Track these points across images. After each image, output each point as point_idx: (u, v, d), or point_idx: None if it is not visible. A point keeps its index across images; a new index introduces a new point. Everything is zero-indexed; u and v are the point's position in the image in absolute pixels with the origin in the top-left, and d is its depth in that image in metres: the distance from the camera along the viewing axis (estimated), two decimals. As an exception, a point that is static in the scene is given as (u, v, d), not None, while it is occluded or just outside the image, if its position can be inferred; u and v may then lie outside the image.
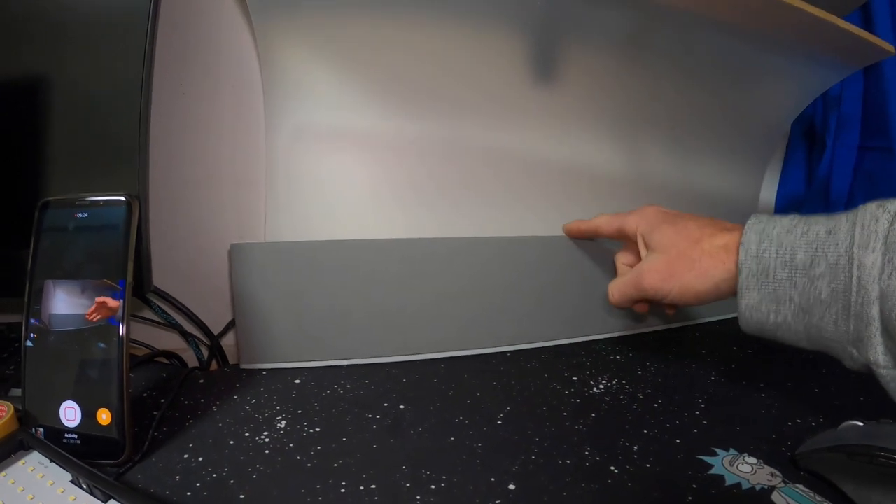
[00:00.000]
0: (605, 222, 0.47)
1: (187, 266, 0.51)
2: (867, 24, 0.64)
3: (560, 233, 0.52)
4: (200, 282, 0.51)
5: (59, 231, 0.33)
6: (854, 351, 0.29)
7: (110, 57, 0.39)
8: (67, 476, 0.28)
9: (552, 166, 0.57)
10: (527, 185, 0.56)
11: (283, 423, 0.38)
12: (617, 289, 0.44)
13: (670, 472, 0.33)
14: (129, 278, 0.32)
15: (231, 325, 0.51)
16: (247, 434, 0.36)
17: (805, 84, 0.65)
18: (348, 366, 0.47)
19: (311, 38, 0.46)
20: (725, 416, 0.40)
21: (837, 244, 0.29)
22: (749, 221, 0.34)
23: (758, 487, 0.32)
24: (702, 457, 0.35)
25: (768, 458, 0.35)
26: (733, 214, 0.40)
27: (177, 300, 0.49)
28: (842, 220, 0.30)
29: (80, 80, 0.40)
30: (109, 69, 0.40)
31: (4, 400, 0.31)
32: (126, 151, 0.40)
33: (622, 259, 0.47)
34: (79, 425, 0.31)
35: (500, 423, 0.39)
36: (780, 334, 0.33)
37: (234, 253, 0.45)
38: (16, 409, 0.31)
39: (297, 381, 0.44)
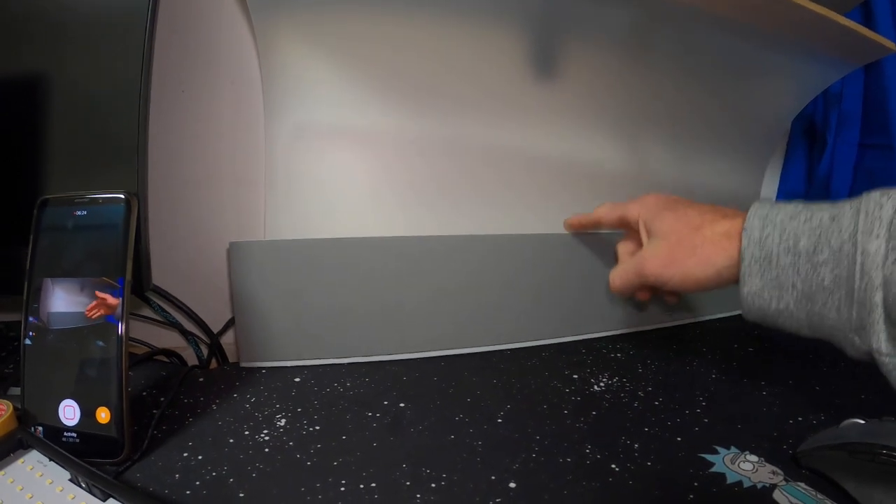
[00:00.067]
0: (606, 213, 0.46)
1: (187, 264, 0.51)
2: (868, 21, 0.64)
3: (560, 230, 0.52)
4: (200, 280, 0.51)
5: (58, 229, 0.33)
6: (856, 338, 0.29)
7: (110, 57, 0.39)
8: (66, 475, 0.28)
9: (553, 164, 0.56)
10: (527, 182, 0.55)
11: (283, 421, 0.38)
12: (618, 276, 0.44)
13: (671, 471, 0.33)
14: (128, 276, 0.32)
15: (231, 324, 0.51)
16: (246, 432, 0.36)
17: (805, 81, 0.65)
18: (348, 364, 0.47)
19: (310, 35, 0.46)
20: (727, 413, 0.40)
21: (841, 231, 0.29)
22: (752, 207, 0.34)
23: (759, 485, 0.32)
24: (703, 455, 0.35)
25: (770, 456, 0.35)
26: (734, 212, 0.39)
27: (176, 298, 0.49)
28: (845, 207, 0.30)
29: (79, 79, 0.40)
30: (109, 69, 0.40)
31: (3, 398, 0.31)
32: (125, 150, 0.40)
33: (624, 247, 0.47)
34: (78, 424, 0.31)
35: (500, 421, 0.39)
36: (781, 321, 0.32)
37: (234, 251, 0.45)
38: (15, 408, 0.31)
39: (297, 380, 0.44)
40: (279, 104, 0.47)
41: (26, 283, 0.32)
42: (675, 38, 0.55)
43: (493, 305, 0.51)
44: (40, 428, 0.31)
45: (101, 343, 0.31)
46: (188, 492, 0.30)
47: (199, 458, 0.33)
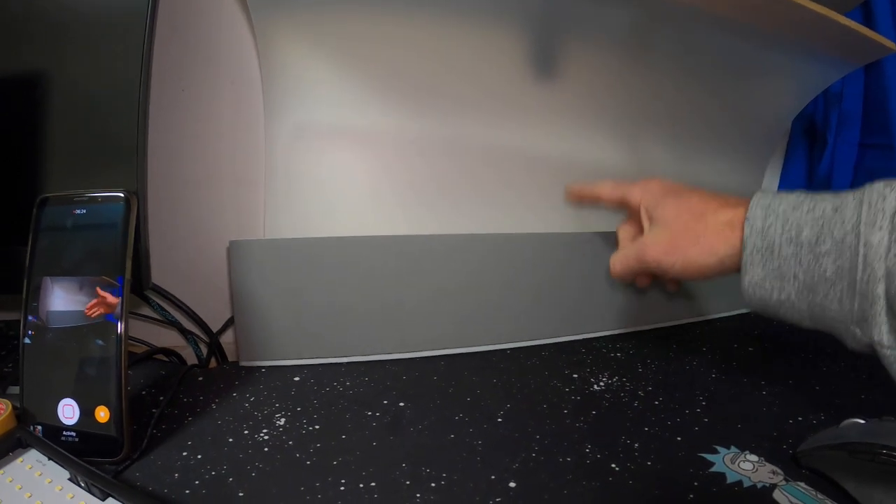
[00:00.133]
0: (608, 190, 0.46)
1: (186, 263, 0.51)
2: (868, 21, 0.64)
3: (560, 230, 0.52)
4: (199, 279, 0.51)
5: (58, 228, 0.33)
6: (857, 330, 0.29)
7: (110, 56, 0.40)
8: (66, 474, 0.28)
9: (553, 164, 0.56)
10: (527, 182, 0.55)
11: (283, 420, 0.38)
12: (619, 261, 0.43)
13: (671, 470, 0.33)
14: (128, 275, 0.32)
15: (230, 323, 0.51)
16: (246, 432, 0.36)
17: (806, 81, 0.65)
18: (348, 363, 0.47)
19: (310, 34, 0.46)
20: (727, 413, 0.40)
21: (844, 221, 0.29)
22: (755, 197, 0.33)
23: (759, 485, 0.32)
24: (703, 454, 0.35)
25: (770, 455, 0.35)
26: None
27: (176, 297, 0.49)
28: (848, 198, 0.29)
29: (79, 79, 0.40)
30: (109, 69, 0.40)
31: (2, 397, 0.31)
32: (125, 150, 0.40)
33: (624, 231, 0.46)
34: (77, 423, 0.31)
35: (500, 420, 0.39)
36: (782, 312, 0.32)
37: (233, 249, 0.45)
38: (14, 407, 0.31)
39: (297, 379, 0.44)
40: (279, 104, 0.47)
41: (26, 282, 0.32)
42: (675, 38, 0.55)
43: (493, 305, 0.51)
44: (39, 427, 0.31)
45: (100, 342, 0.31)
46: (187, 491, 0.30)
47: (199, 457, 0.33)
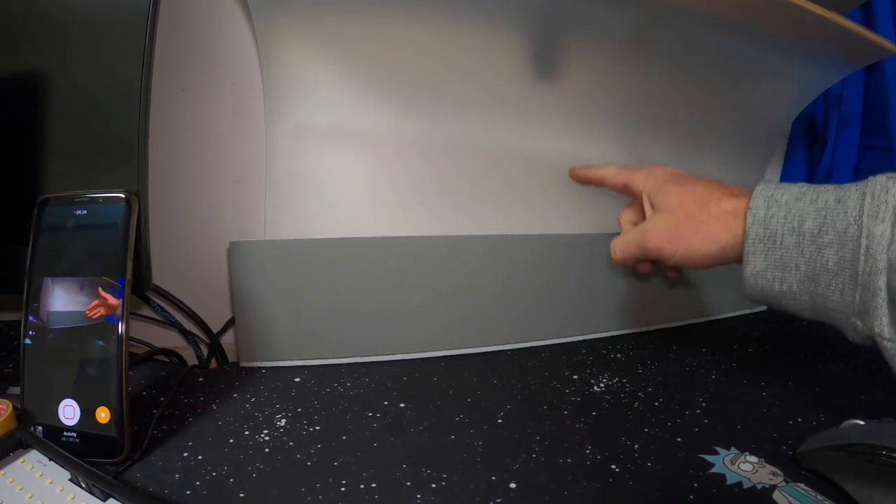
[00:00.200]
0: (611, 174, 0.45)
1: (187, 264, 0.51)
2: (868, 23, 0.64)
3: (560, 230, 0.52)
4: (200, 280, 0.51)
5: (58, 228, 0.33)
6: (859, 322, 0.29)
7: (110, 56, 0.40)
8: (66, 474, 0.28)
9: (553, 164, 0.56)
10: (527, 183, 0.55)
11: (283, 421, 0.38)
12: (620, 247, 0.43)
13: (671, 471, 0.33)
14: (129, 276, 0.32)
15: (231, 323, 0.51)
16: (246, 432, 0.36)
17: (806, 82, 0.65)
18: (348, 364, 0.47)
19: (311, 35, 0.46)
20: (726, 414, 0.40)
21: (846, 213, 0.29)
22: (758, 187, 0.33)
23: (759, 486, 0.32)
24: (703, 455, 0.35)
25: (770, 456, 0.35)
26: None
27: (176, 298, 0.49)
28: (851, 190, 0.29)
29: (80, 79, 0.40)
30: (109, 69, 0.40)
31: (3, 398, 0.31)
32: (125, 150, 0.40)
33: (626, 216, 0.46)
34: (78, 423, 0.31)
35: (500, 421, 0.39)
36: (784, 303, 0.32)
37: (234, 250, 0.45)
38: (14, 408, 0.31)
39: (297, 380, 0.44)
40: (279, 104, 0.47)
41: (26, 283, 0.32)
42: (675, 39, 0.55)
43: (493, 306, 0.51)
44: (40, 427, 0.31)
45: (101, 342, 0.31)
46: (188, 492, 0.30)
47: (199, 458, 0.33)
